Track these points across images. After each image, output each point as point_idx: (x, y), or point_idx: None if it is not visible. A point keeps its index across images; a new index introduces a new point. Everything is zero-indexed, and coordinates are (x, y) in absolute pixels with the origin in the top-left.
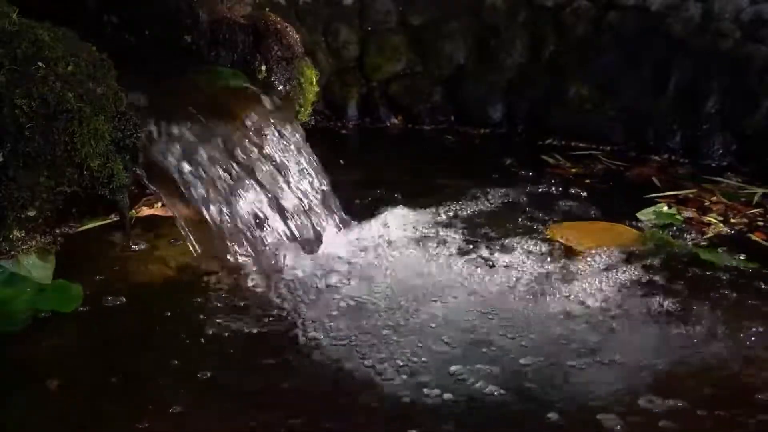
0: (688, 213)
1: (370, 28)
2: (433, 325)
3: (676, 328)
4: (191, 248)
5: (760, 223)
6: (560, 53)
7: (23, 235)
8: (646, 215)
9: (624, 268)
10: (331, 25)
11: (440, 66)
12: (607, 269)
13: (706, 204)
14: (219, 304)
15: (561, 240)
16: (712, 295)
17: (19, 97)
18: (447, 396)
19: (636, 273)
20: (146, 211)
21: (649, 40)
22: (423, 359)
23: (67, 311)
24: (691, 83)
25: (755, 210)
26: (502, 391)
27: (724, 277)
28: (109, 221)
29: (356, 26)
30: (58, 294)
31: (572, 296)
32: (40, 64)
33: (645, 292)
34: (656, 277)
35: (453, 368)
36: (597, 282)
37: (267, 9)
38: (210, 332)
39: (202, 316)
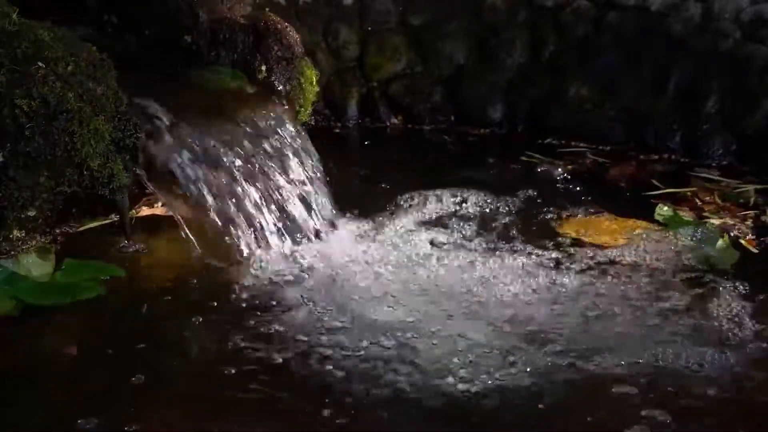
0: (684, 213)
1: (370, 28)
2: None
3: None
4: (192, 247)
5: (749, 224)
6: (560, 53)
7: (23, 234)
8: (661, 214)
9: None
10: (331, 25)
11: (440, 66)
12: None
13: (700, 204)
14: (219, 303)
15: (580, 236)
16: None
17: (19, 97)
18: None
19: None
20: (146, 211)
21: (649, 40)
22: None
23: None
24: (691, 83)
25: (748, 211)
26: None
27: None
28: (109, 221)
29: (356, 26)
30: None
31: None
32: (40, 64)
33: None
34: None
35: None
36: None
37: (267, 9)
38: (209, 330)
39: (202, 315)
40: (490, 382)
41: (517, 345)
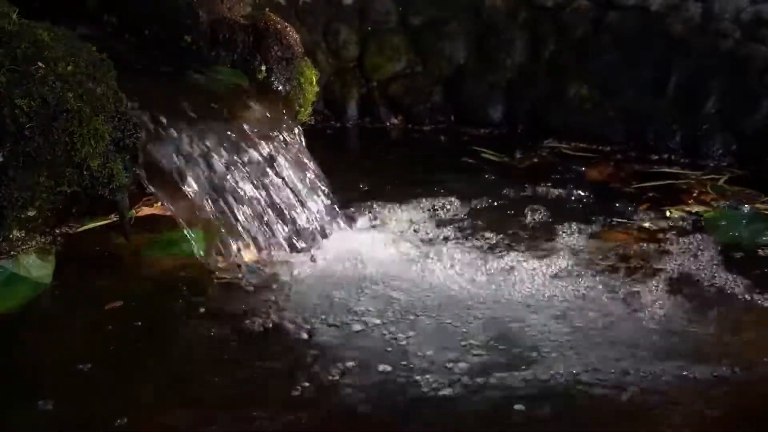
0: (683, 208)
1: (370, 28)
2: None
3: None
4: (192, 247)
5: None
6: (560, 53)
7: (23, 235)
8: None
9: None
10: (331, 25)
11: (440, 66)
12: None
13: (696, 195)
14: (219, 303)
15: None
16: None
17: (19, 97)
18: None
19: None
20: (146, 211)
21: (649, 40)
22: None
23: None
24: (691, 83)
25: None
26: None
27: None
28: (109, 221)
29: (356, 26)
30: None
31: None
32: (40, 64)
33: None
34: None
35: None
36: None
37: (267, 9)
38: (210, 329)
39: (203, 315)
40: None
41: None
